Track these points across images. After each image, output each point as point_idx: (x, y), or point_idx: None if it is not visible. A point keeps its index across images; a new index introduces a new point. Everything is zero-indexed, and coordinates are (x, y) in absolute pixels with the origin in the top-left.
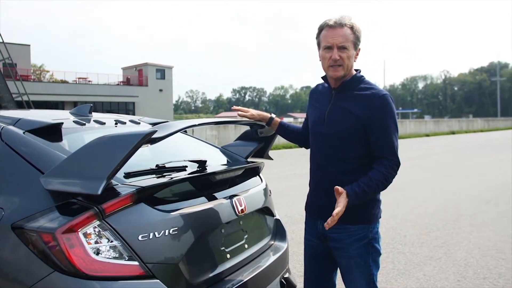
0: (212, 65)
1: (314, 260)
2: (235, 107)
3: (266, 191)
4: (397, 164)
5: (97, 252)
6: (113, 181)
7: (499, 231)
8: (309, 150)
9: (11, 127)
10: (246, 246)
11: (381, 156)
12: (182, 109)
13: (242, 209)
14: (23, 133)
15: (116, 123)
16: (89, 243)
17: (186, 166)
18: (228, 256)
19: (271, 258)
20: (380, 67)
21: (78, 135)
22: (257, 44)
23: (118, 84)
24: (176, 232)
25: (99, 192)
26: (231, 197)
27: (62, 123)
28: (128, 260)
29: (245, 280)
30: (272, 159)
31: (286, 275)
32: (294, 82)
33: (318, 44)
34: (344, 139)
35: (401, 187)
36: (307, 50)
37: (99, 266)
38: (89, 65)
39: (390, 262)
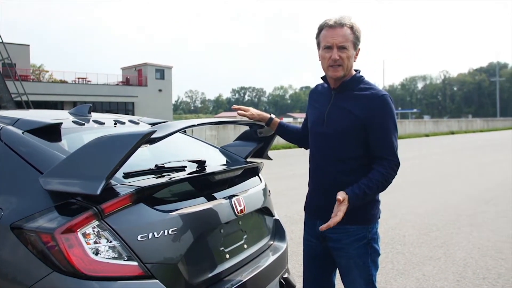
0: (211, 65)
1: (313, 260)
2: (235, 106)
3: (265, 191)
4: (397, 164)
5: (96, 252)
6: (112, 181)
7: (498, 231)
8: (308, 150)
9: (10, 127)
10: (245, 246)
11: (380, 157)
12: (181, 109)
13: (241, 209)
14: (22, 133)
15: (115, 123)
16: (88, 243)
17: (185, 166)
18: (227, 256)
19: (270, 258)
20: (380, 67)
21: (77, 135)
22: (256, 44)
23: (117, 84)
24: (175, 232)
25: (98, 192)
26: (230, 197)
27: (61, 123)
28: (127, 260)
29: (244, 280)
30: (271, 159)
31: (285, 275)
32: (294, 82)
33: (318, 44)
34: (344, 139)
35: (400, 187)
36: (306, 50)
37: (98, 266)
38: (88, 65)
39: (389, 262)
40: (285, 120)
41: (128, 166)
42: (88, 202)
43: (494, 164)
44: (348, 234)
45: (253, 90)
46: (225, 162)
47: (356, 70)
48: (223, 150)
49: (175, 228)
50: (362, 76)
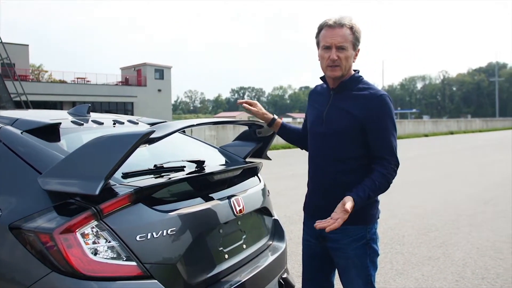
0: (211, 65)
1: (312, 260)
2: (240, 101)
3: (264, 191)
4: (397, 164)
5: (95, 253)
6: (111, 181)
7: (497, 231)
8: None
9: (9, 127)
10: (244, 246)
11: (380, 157)
12: (180, 109)
13: (240, 209)
14: (21, 133)
15: (114, 123)
16: (86, 244)
17: (184, 166)
18: (226, 256)
19: (270, 258)
20: (379, 67)
21: (76, 135)
22: (256, 44)
23: (116, 84)
24: (174, 232)
25: (97, 192)
26: (229, 197)
27: (60, 123)
28: (126, 260)
29: (243, 280)
30: (271, 159)
31: (285, 275)
32: (293, 82)
33: (318, 44)
34: (342, 139)
35: (400, 187)
36: (306, 50)
37: (97, 266)
38: (88, 65)
39: (388, 262)
40: (284, 120)
41: (127, 166)
42: (87, 202)
43: (493, 164)
44: (346, 234)
45: (253, 90)
46: (224, 162)
47: (355, 70)
48: (222, 150)
49: (174, 228)
50: (361, 76)
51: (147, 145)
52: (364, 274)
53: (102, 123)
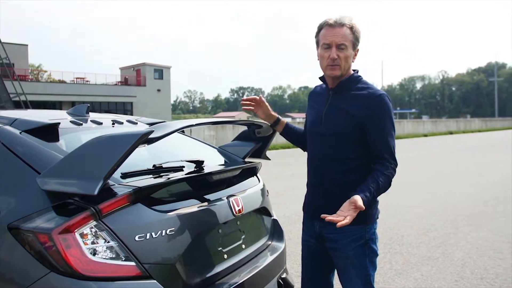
0: (210, 65)
1: (311, 260)
2: (245, 98)
3: (263, 191)
4: (396, 164)
5: (94, 253)
6: (110, 181)
7: (497, 231)
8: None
9: (8, 127)
10: (243, 246)
11: (380, 156)
12: (180, 109)
13: (239, 209)
14: (20, 133)
15: (113, 123)
16: (85, 244)
17: (183, 166)
18: (225, 256)
19: (269, 258)
20: (379, 67)
21: (75, 135)
22: (255, 44)
23: (116, 84)
24: (173, 232)
25: (96, 192)
26: (228, 197)
27: (59, 123)
28: (124, 260)
29: (242, 280)
30: (270, 159)
31: (284, 275)
32: (292, 82)
33: (317, 43)
34: (341, 139)
35: (399, 187)
36: (305, 51)
37: (96, 266)
38: (88, 65)
39: (387, 262)
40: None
41: (126, 166)
42: (85, 202)
43: (492, 164)
44: (345, 234)
45: (252, 90)
46: (223, 162)
47: (354, 70)
48: (221, 150)
49: (173, 228)
50: (360, 76)
51: (146, 145)
52: (363, 274)
53: (101, 123)
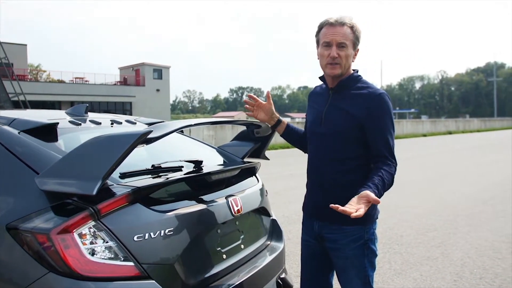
0: (209, 65)
1: (310, 260)
2: (250, 95)
3: (262, 191)
4: (396, 163)
5: (92, 253)
6: (109, 182)
7: (496, 231)
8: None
9: (6, 127)
10: (242, 246)
11: (382, 155)
12: (179, 109)
13: (238, 209)
14: (18, 133)
15: (112, 123)
16: (84, 244)
17: (182, 166)
18: (224, 256)
19: (268, 259)
20: (378, 67)
21: (73, 135)
22: (255, 44)
23: (115, 84)
24: (172, 232)
25: (94, 192)
26: (227, 197)
27: (58, 123)
28: (123, 260)
29: (241, 280)
30: (269, 159)
31: (283, 275)
32: (292, 82)
33: (317, 42)
34: (341, 139)
35: (398, 187)
36: (305, 51)
37: (94, 266)
38: (87, 64)
39: (386, 262)
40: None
41: (125, 166)
42: (84, 202)
43: (492, 164)
44: (344, 234)
45: (251, 90)
46: (222, 162)
47: (354, 70)
48: (220, 150)
49: (172, 229)
50: (359, 76)
51: (144, 145)
52: (362, 275)
53: (100, 123)
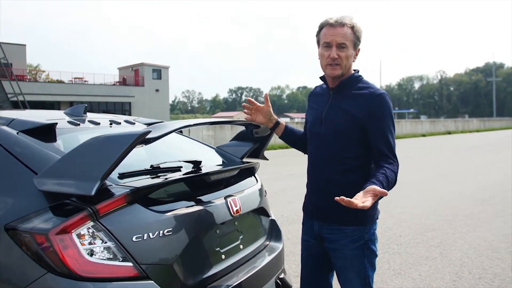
0: (208, 65)
1: (310, 260)
2: (250, 100)
3: (261, 192)
4: (398, 163)
5: (91, 253)
6: (107, 182)
7: (495, 231)
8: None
9: (5, 127)
10: (241, 246)
11: (384, 154)
12: (178, 109)
13: (237, 210)
14: (17, 133)
15: (111, 124)
16: (82, 244)
17: (181, 167)
18: (223, 256)
19: (267, 259)
20: (377, 67)
21: (72, 136)
22: (254, 44)
23: (114, 84)
24: (171, 232)
25: (93, 192)
26: (226, 197)
27: (56, 123)
28: (122, 261)
29: (240, 280)
30: (268, 159)
31: (282, 276)
32: (291, 83)
33: (318, 42)
34: (341, 139)
35: (397, 187)
36: (304, 51)
37: (93, 267)
38: (87, 64)
39: (385, 262)
40: (282, 120)
41: (124, 167)
42: (83, 202)
43: (491, 164)
44: (344, 235)
45: (250, 90)
46: (221, 162)
47: (354, 70)
48: (219, 150)
49: (171, 229)
50: (360, 76)
51: (143, 145)
52: (362, 275)
53: (99, 123)
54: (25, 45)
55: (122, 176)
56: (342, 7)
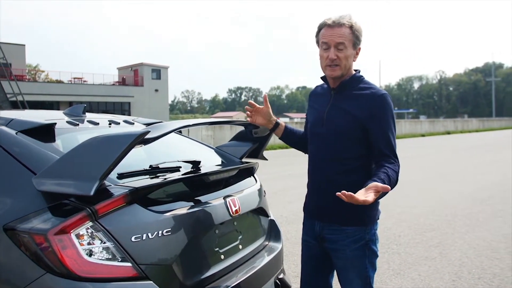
0: (208, 65)
1: (310, 261)
2: (251, 102)
3: (260, 192)
4: (399, 163)
5: (90, 254)
6: (106, 182)
7: (494, 231)
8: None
9: (4, 128)
10: (240, 247)
11: (385, 154)
12: (178, 109)
13: (236, 210)
14: (16, 133)
15: (110, 124)
16: (81, 244)
17: (180, 167)
18: (222, 257)
19: (266, 259)
20: (377, 67)
21: (71, 136)
22: (254, 44)
23: (113, 84)
24: (170, 233)
25: (92, 193)
26: (225, 197)
27: (55, 123)
28: (121, 261)
29: (239, 281)
30: (267, 160)
31: (281, 276)
32: (290, 83)
33: (317, 43)
34: (343, 140)
35: (396, 187)
36: (304, 51)
37: (92, 267)
38: (86, 64)
39: (385, 262)
40: (282, 120)
41: (122, 167)
42: (81, 203)
43: (490, 164)
44: (345, 235)
45: (250, 90)
46: (220, 163)
47: (356, 70)
48: (218, 151)
49: (170, 229)
50: (361, 76)
51: (142, 145)
52: (363, 276)
53: (98, 124)
54: (24, 45)
55: (121, 176)
56: (342, 7)
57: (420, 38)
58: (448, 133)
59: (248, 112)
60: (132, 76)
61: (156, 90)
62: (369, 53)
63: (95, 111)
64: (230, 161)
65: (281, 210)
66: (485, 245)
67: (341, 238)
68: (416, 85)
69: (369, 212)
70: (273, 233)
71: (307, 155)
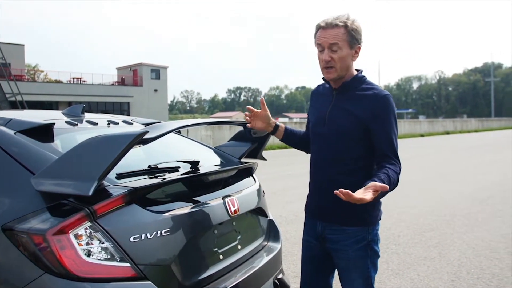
0: (207, 65)
1: (311, 261)
2: (249, 108)
3: (259, 192)
4: (400, 164)
5: (88, 254)
6: (105, 182)
7: (493, 231)
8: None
9: (2, 128)
10: (239, 247)
11: (386, 155)
12: (177, 109)
13: (235, 210)
14: (14, 133)
15: (108, 124)
16: (80, 245)
17: (179, 167)
18: (221, 257)
19: (265, 259)
20: (376, 67)
21: (70, 136)
22: (254, 44)
23: (112, 84)
24: (168, 233)
25: (90, 193)
26: (224, 198)
27: (54, 123)
28: (119, 261)
29: (238, 281)
30: (266, 160)
31: (280, 276)
32: (290, 83)
33: (315, 44)
34: (345, 140)
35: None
36: (303, 51)
37: (91, 267)
38: (86, 64)
39: (384, 262)
40: (281, 120)
41: (121, 167)
42: (80, 203)
43: (489, 164)
44: (347, 235)
45: (249, 90)
46: (219, 163)
47: (357, 70)
48: (217, 151)
49: (168, 229)
50: (364, 76)
51: (141, 145)
52: (365, 276)
53: (97, 124)
54: (23, 45)
55: (119, 176)
56: (342, 7)
57: (419, 38)
58: (447, 133)
59: (247, 118)
60: (131, 76)
61: (155, 90)
62: (369, 53)
63: (94, 111)
64: (229, 161)
65: (280, 210)
66: (484, 245)
67: (342, 238)
68: (415, 85)
69: (371, 212)
70: (272, 233)
71: (306, 155)
